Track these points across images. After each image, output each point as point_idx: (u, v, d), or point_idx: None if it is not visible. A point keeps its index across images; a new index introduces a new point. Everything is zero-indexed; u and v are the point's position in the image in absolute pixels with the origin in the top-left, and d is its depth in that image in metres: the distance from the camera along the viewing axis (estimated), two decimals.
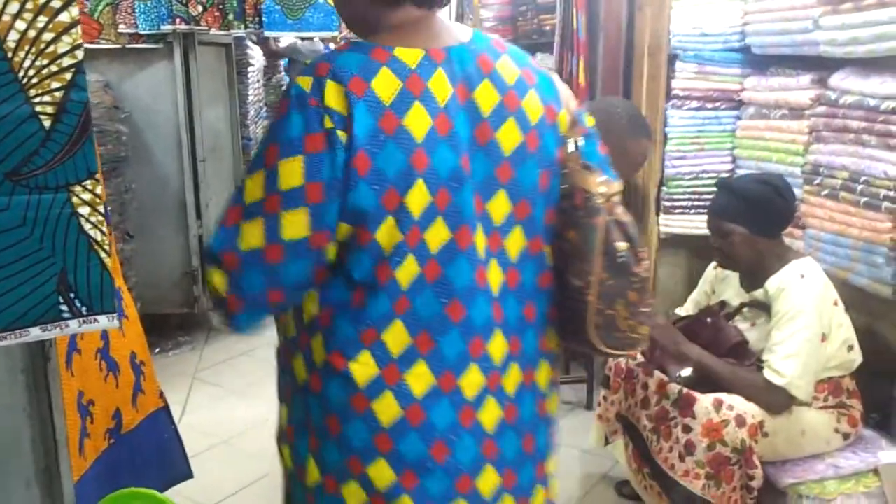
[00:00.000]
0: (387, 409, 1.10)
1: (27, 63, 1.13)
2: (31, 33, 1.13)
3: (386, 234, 1.05)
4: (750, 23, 2.82)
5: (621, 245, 1.16)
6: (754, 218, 2.18)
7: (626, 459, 2.51)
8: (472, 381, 1.13)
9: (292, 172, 1.02)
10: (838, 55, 2.37)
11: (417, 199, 1.05)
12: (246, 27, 4.31)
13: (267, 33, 4.17)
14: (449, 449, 1.12)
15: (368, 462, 1.11)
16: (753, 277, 2.27)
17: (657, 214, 3.14)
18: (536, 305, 1.20)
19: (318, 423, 1.14)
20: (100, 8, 4.02)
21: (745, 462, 2.04)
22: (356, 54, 1.07)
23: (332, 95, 1.02)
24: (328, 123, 1.02)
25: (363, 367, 1.09)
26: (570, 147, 1.19)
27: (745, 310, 2.31)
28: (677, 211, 3.09)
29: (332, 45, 9.87)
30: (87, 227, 1.21)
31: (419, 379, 1.10)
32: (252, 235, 1.03)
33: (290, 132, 1.03)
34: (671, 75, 3.03)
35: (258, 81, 4.90)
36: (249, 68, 4.64)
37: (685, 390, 2.15)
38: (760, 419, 2.07)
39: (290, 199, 1.02)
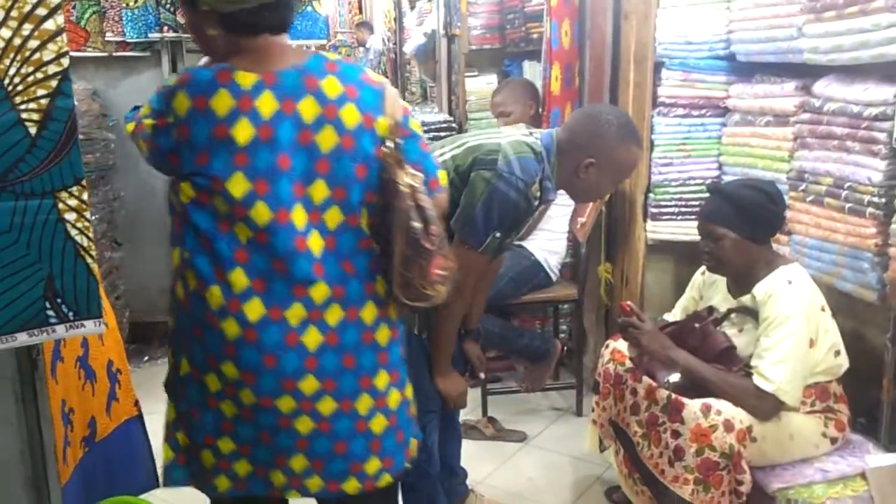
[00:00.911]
0: (231, 328, 1.52)
1: (12, 70, 1.13)
2: (17, 41, 1.13)
3: (219, 204, 1.49)
4: (735, 31, 2.84)
5: (416, 224, 1.52)
6: (746, 223, 2.19)
7: (618, 465, 2.52)
8: (295, 313, 1.53)
9: (148, 125, 1.52)
10: (822, 62, 2.38)
11: (237, 185, 1.47)
12: None
13: None
14: (277, 360, 1.53)
15: (220, 362, 1.55)
16: (741, 283, 2.28)
17: (644, 221, 3.15)
18: (355, 262, 1.59)
19: (188, 330, 1.57)
20: (87, 16, 4.02)
21: (734, 467, 2.05)
22: (207, 73, 1.49)
23: (179, 102, 1.47)
24: (169, 119, 1.48)
25: (215, 297, 1.51)
26: (390, 145, 1.55)
27: (732, 315, 2.32)
28: (664, 217, 3.11)
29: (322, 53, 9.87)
30: (73, 232, 1.21)
31: (254, 310, 1.51)
32: (130, 130, 1.59)
33: (155, 106, 1.51)
34: (657, 83, 3.05)
35: None
36: None
37: (674, 396, 2.15)
38: (749, 424, 2.08)
39: (143, 134, 1.54)
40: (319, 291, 1.54)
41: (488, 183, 2.03)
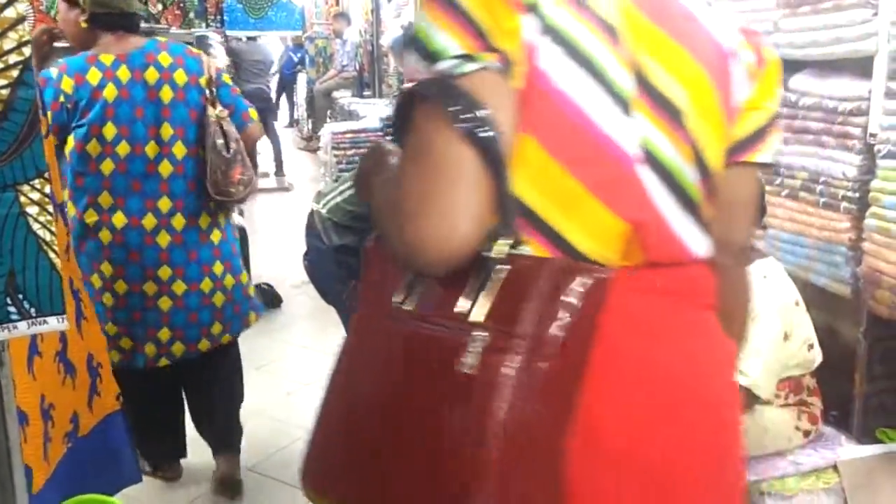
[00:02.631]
0: (105, 236, 2.28)
1: None
2: None
3: (92, 147, 2.23)
4: None
5: (219, 141, 2.29)
6: None
7: None
8: (148, 221, 2.28)
9: (51, 117, 2.11)
10: (798, 57, 2.39)
11: (109, 130, 2.23)
12: (207, 26, 4.25)
13: (229, 32, 4.12)
14: (139, 255, 2.30)
15: (100, 264, 2.29)
16: None
17: None
18: (197, 183, 2.33)
19: (77, 248, 2.24)
20: (56, 5, 3.93)
21: None
22: (78, 60, 2.24)
23: (65, 84, 2.21)
24: (61, 99, 2.21)
25: (90, 216, 2.27)
26: (207, 93, 2.33)
27: None
28: None
29: (290, 43, 9.77)
30: (35, 227, 1.18)
31: (119, 220, 2.27)
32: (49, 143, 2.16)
33: (45, 98, 2.07)
34: None
35: None
36: None
37: None
38: None
39: (48, 130, 1.91)
40: (164, 203, 2.29)
41: None
